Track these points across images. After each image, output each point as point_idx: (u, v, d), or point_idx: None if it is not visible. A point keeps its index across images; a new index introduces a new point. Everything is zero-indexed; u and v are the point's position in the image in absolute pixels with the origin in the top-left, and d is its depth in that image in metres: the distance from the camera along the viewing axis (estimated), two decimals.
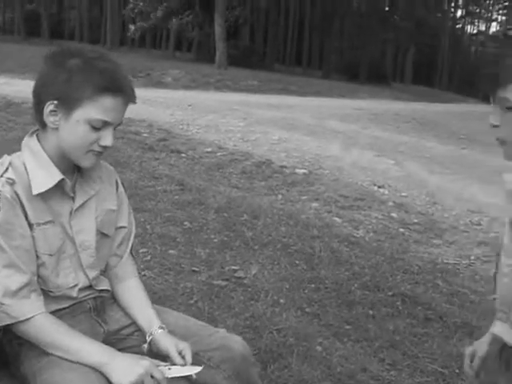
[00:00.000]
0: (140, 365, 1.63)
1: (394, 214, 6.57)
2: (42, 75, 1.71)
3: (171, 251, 4.60)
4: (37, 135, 1.77)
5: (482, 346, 1.81)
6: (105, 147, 1.71)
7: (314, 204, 6.47)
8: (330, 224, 5.87)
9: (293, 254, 4.80)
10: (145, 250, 4.39)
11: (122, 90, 1.68)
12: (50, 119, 1.68)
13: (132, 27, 37.49)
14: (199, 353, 1.86)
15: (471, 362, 1.84)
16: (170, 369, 1.73)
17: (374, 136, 12.74)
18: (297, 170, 8.19)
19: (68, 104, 1.65)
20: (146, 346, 1.87)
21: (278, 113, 14.27)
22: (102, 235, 1.90)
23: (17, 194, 1.67)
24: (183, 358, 1.77)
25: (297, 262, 4.65)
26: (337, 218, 6.16)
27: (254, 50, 40.73)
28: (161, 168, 7.52)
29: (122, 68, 1.74)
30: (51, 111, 1.67)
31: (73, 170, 1.82)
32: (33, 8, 57.86)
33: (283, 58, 54.71)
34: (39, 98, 1.69)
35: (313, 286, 4.19)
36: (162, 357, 1.81)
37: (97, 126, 1.67)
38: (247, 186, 7.19)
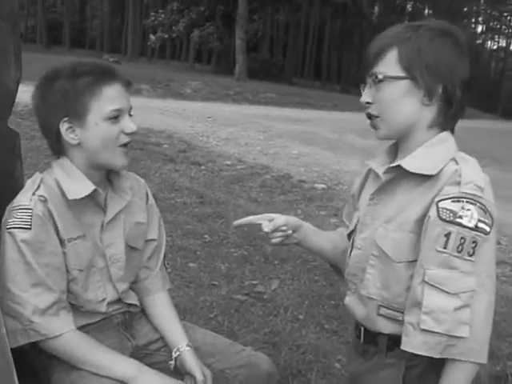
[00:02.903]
0: None
1: None
2: (39, 108, 1.76)
3: (191, 264, 4.62)
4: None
5: None
6: (131, 134, 1.75)
7: (333, 220, 6.47)
8: None
9: (312, 269, 4.80)
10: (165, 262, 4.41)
11: (113, 77, 1.74)
12: (70, 136, 1.71)
13: (153, 37, 37.70)
14: (225, 370, 1.88)
15: None
16: None
17: None
18: (316, 185, 8.20)
19: (78, 113, 1.70)
20: (172, 363, 1.88)
21: (297, 126, 14.29)
22: (130, 248, 1.91)
23: (49, 212, 1.69)
24: None
25: (316, 277, 4.65)
26: None
27: (273, 63, 40.81)
28: (181, 180, 7.55)
29: (102, 62, 1.85)
30: (67, 128, 1.71)
31: (104, 183, 1.85)
32: (55, 16, 58.55)
33: (302, 72, 54.80)
34: (49, 124, 1.73)
35: (332, 302, 4.19)
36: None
37: (113, 116, 1.71)
38: (267, 200, 7.20)
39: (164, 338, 1.94)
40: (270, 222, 1.72)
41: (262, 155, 10.08)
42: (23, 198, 1.70)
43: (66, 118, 1.70)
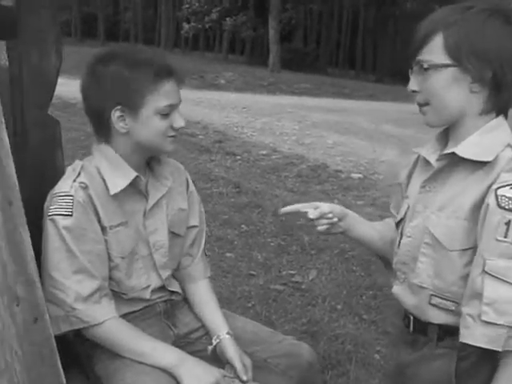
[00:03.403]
0: (212, 374, 1.66)
1: None
2: (90, 90, 1.74)
3: (228, 254, 4.63)
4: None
5: None
6: (179, 129, 1.76)
7: (370, 209, 6.41)
8: None
9: (350, 259, 4.77)
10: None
11: (171, 72, 1.72)
12: (119, 125, 1.70)
13: (186, 26, 37.74)
14: (267, 359, 1.87)
15: None
16: (233, 382, 1.76)
17: None
18: (352, 175, 8.14)
19: (132, 105, 1.68)
20: (210, 347, 1.88)
21: (333, 116, 14.19)
22: (173, 235, 1.91)
23: (90, 198, 1.69)
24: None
25: (354, 268, 4.61)
26: None
27: (307, 53, 40.56)
28: (216, 170, 7.57)
29: (159, 52, 1.83)
30: (119, 117, 1.69)
31: (144, 169, 1.85)
32: (89, 10, 59.06)
33: (336, 61, 54.37)
34: (100, 109, 1.71)
35: (370, 292, 4.16)
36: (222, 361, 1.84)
37: (165, 113, 1.71)
38: (303, 189, 7.17)
39: (205, 325, 1.94)
40: (315, 209, 1.70)
41: (298, 145, 10.04)
42: (64, 185, 1.70)
43: (119, 107, 1.68)
